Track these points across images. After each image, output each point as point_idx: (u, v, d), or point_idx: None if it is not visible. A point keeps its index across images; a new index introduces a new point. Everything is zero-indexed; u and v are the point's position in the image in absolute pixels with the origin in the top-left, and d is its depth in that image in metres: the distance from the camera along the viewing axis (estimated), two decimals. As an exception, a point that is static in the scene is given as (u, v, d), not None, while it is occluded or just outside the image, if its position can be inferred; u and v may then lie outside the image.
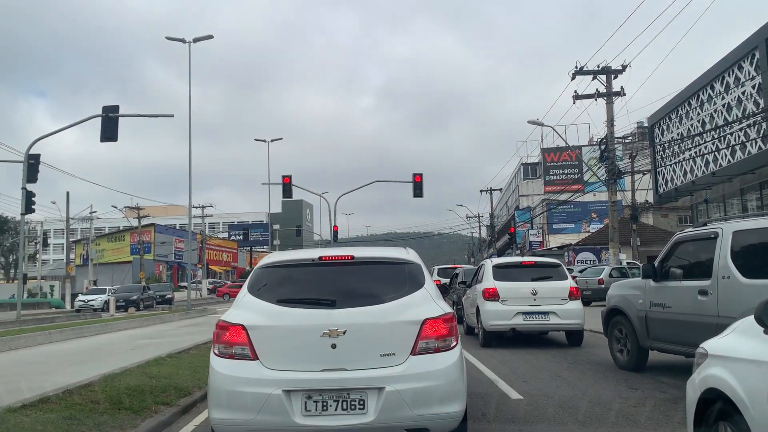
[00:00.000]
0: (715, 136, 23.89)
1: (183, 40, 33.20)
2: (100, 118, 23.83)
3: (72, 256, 62.88)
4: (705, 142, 24.66)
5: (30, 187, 24.44)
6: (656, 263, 8.35)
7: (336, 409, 4.37)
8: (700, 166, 25.50)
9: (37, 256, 73.68)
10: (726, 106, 23.31)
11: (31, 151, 24.44)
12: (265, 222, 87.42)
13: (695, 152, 25.74)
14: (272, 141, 55.91)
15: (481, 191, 65.76)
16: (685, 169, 26.97)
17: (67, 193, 50.13)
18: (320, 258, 4.97)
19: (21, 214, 25.54)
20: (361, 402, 4.38)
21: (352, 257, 4.96)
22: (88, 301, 39.18)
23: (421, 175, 34.34)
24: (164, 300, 43.57)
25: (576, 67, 26.82)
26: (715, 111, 24.15)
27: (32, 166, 24.21)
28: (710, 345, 3.88)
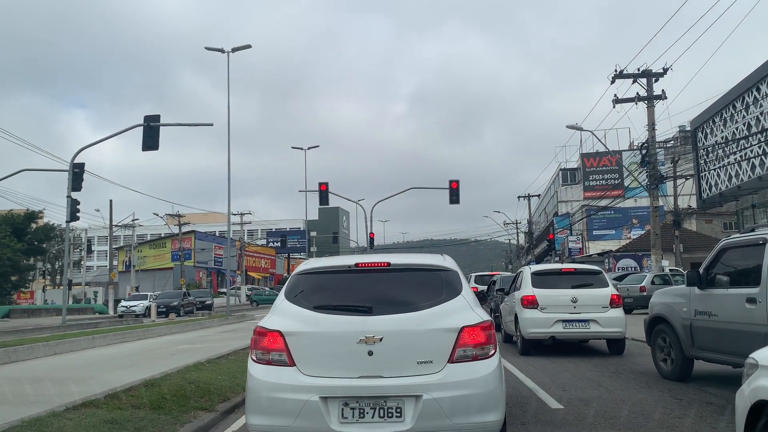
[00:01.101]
0: (762, 139, 23.20)
1: (222, 50, 33.76)
2: (140, 128, 24.35)
3: (115, 262, 64.27)
4: (751, 145, 23.98)
5: (74, 195, 25.06)
6: (701, 270, 8.12)
7: (373, 417, 4.34)
8: (746, 170, 24.79)
9: (82, 262, 75.58)
10: (773, 108, 22.63)
11: (76, 161, 25.08)
12: (302, 229, 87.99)
13: (741, 156, 25.04)
14: (309, 149, 56.32)
15: (518, 197, 65.23)
16: (729, 173, 26.27)
17: (110, 201, 51.45)
18: (357, 264, 4.96)
19: (66, 222, 26.18)
20: (398, 410, 4.34)
21: (389, 264, 4.94)
22: (130, 306, 39.96)
23: (457, 182, 34.19)
24: (204, 306, 44.16)
25: (616, 70, 26.42)
26: (761, 113, 23.47)
27: (77, 174, 24.82)
28: (761, 355, 3.74)
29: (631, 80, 26.53)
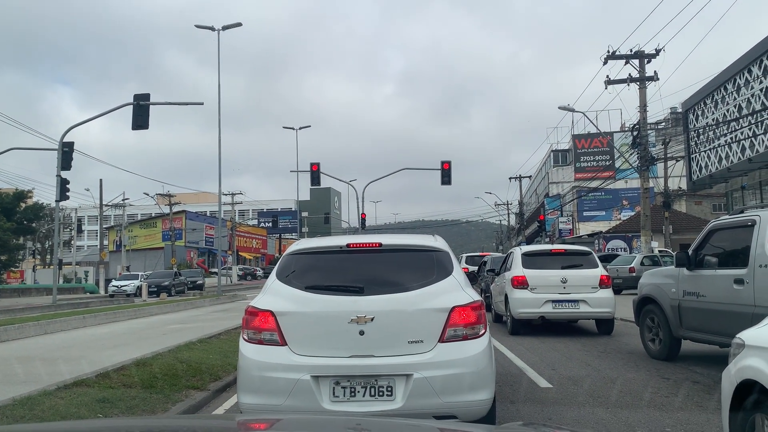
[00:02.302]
0: (753, 121, 23.27)
1: (212, 28, 33.34)
2: (128, 107, 24.17)
3: (105, 242, 64.00)
4: (742, 127, 24.06)
5: (64, 174, 24.89)
6: (690, 251, 8.18)
7: (364, 395, 4.38)
8: (736, 152, 24.90)
9: (72, 242, 75.25)
10: (764, 90, 22.67)
11: (65, 140, 24.85)
12: (293, 209, 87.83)
13: (731, 138, 25.12)
14: (300, 128, 55.96)
15: (510, 178, 65.26)
16: (720, 155, 26.38)
17: (101, 180, 51.05)
18: (348, 245, 4.96)
19: (56, 201, 26.01)
20: (389, 388, 4.37)
21: (380, 244, 4.95)
22: (121, 286, 39.90)
23: (449, 163, 34.14)
24: (195, 286, 44.16)
25: (608, 51, 26.32)
26: (752, 95, 23.52)
27: (66, 154, 24.60)
28: (747, 335, 3.78)
29: (624, 61, 26.47)
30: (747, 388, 3.54)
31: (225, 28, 33.52)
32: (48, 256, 73.17)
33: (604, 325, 12.12)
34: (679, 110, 35.75)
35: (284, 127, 55.98)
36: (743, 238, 7.12)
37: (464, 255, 29.75)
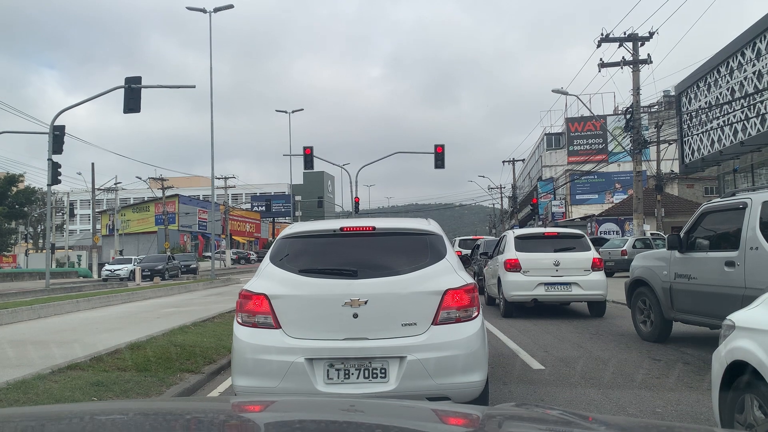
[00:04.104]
0: (745, 105, 23.31)
1: (204, 10, 32.99)
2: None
3: (98, 226, 63.80)
4: (734, 110, 24.09)
5: (55, 158, 24.71)
6: (682, 234, 8.23)
7: (358, 378, 4.41)
8: (728, 136, 24.95)
9: (64, 226, 74.95)
10: (757, 73, 22.69)
11: (56, 123, 24.65)
12: (287, 193, 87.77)
13: (723, 121, 25.17)
14: (293, 112, 55.83)
15: (503, 162, 65.29)
16: (712, 138, 26.43)
17: (92, 164, 50.76)
18: (342, 229, 4.97)
19: (47, 185, 25.85)
20: (383, 371, 4.41)
21: (374, 228, 4.95)
22: (115, 270, 39.80)
23: (442, 146, 34.04)
24: (189, 270, 44.11)
25: (602, 34, 26.27)
26: (745, 79, 23.53)
27: (57, 137, 24.40)
28: (738, 317, 3.82)
29: (617, 44, 26.41)
30: (737, 368, 3.58)
31: (217, 9, 33.18)
32: (40, 241, 72.87)
33: (596, 308, 12.20)
34: (672, 93, 35.75)
35: (277, 111, 56.30)
36: (735, 221, 7.16)
37: (457, 238, 29.84)
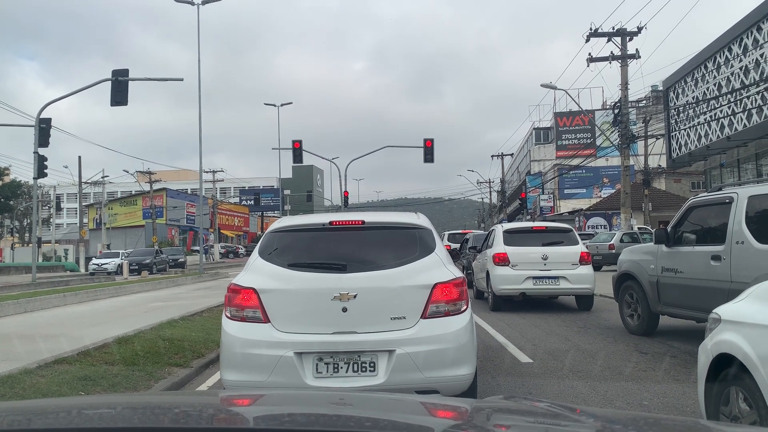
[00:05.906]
0: (732, 100, 23.47)
1: (192, 2, 32.74)
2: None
3: (85, 220, 63.32)
4: (721, 105, 24.26)
5: (41, 151, 24.50)
6: (669, 228, 8.29)
7: (347, 371, 4.41)
8: (715, 131, 25.13)
9: (51, 220, 74.36)
10: (743, 68, 22.84)
11: (41, 116, 24.41)
12: (276, 187, 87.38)
13: (710, 116, 25.34)
14: (282, 105, 55.44)
15: (492, 156, 65.41)
16: (699, 133, 26.60)
17: (79, 157, 50.34)
18: (331, 223, 4.96)
19: (33, 179, 25.63)
20: (372, 364, 4.41)
21: (363, 222, 4.95)
22: (102, 264, 39.54)
23: (432, 141, 34.01)
24: (177, 264, 43.94)
25: (590, 29, 26.34)
26: (732, 74, 23.68)
27: (43, 130, 24.17)
28: (723, 310, 3.85)
29: (606, 39, 26.51)
30: (722, 361, 3.61)
31: (205, 2, 32.93)
32: (27, 235, 72.28)
33: (584, 301, 12.28)
34: (660, 88, 35.91)
35: (266, 104, 55.75)
36: (721, 215, 7.22)
37: (447, 232, 29.90)
